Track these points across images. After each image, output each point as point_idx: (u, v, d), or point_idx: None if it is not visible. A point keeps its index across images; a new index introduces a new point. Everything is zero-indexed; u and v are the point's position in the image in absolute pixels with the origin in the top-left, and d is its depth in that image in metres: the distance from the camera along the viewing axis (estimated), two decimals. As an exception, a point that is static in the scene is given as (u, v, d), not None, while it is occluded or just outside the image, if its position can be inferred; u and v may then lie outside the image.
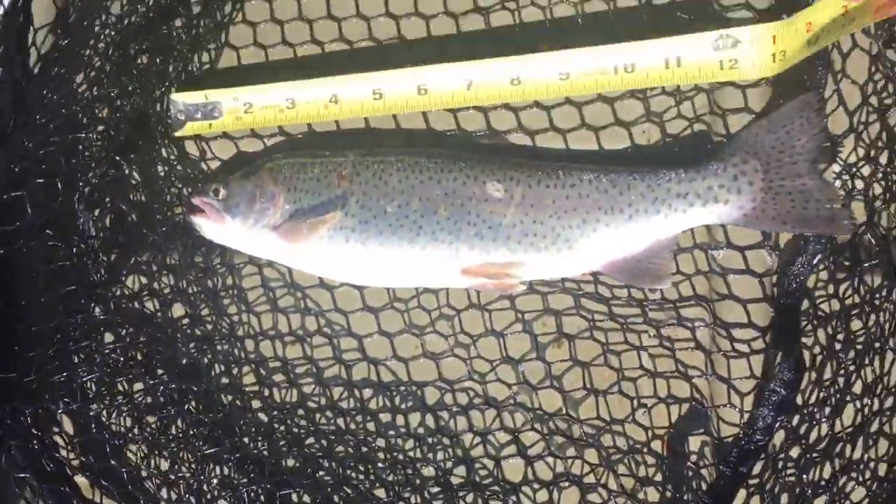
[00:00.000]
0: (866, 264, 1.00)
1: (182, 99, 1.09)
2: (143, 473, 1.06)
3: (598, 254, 1.03)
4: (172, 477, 1.06)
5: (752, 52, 1.01)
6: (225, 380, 1.12)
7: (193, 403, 1.09)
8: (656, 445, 1.07)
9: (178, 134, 1.10)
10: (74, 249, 1.05)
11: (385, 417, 1.12)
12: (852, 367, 0.99)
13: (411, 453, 1.11)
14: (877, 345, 0.98)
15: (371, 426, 1.12)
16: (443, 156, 1.06)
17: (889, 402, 0.96)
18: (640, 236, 1.03)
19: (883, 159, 1.01)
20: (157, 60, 1.09)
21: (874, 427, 0.96)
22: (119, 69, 1.06)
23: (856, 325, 1.00)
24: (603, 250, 1.03)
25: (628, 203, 1.03)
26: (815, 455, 0.98)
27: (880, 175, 1.01)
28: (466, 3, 1.12)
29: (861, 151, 1.02)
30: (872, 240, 1.01)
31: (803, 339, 1.03)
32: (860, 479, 0.95)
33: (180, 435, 1.08)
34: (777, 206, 1.00)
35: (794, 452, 1.00)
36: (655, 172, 1.03)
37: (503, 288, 1.05)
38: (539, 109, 1.11)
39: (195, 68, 1.13)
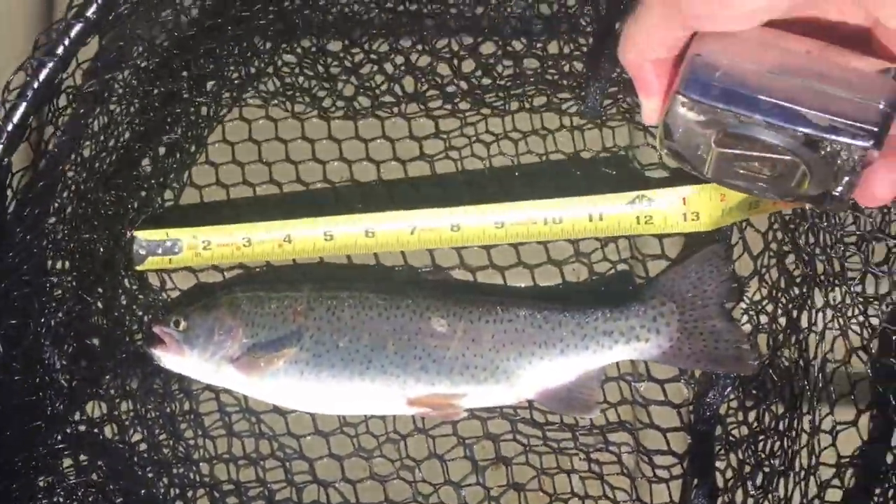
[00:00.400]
0: (770, 394, 1.11)
1: (144, 236, 1.17)
2: None
3: (533, 384, 1.13)
4: None
5: (665, 211, 1.13)
6: (180, 503, 1.18)
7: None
8: (587, 565, 1.16)
9: (139, 268, 1.17)
10: (38, 380, 1.10)
11: (334, 538, 1.19)
12: (760, 491, 1.10)
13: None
14: (781, 468, 1.09)
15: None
16: (391, 292, 1.15)
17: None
18: (571, 369, 1.13)
19: (783, 299, 1.14)
20: (123, 200, 1.16)
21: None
22: (87, 210, 1.12)
23: (765, 449, 1.11)
24: (537, 381, 1.13)
25: (560, 338, 1.13)
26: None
27: (781, 312, 1.14)
28: (413, 150, 1.23)
29: (764, 291, 1.15)
30: (774, 373, 1.12)
31: (717, 464, 1.14)
32: None
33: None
34: (691, 345, 1.12)
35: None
36: (584, 311, 1.13)
37: (446, 416, 1.14)
38: (479, 248, 1.21)
39: (158, 206, 1.21)
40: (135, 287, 1.19)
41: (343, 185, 1.23)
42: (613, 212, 1.14)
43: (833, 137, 0.74)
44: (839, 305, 1.07)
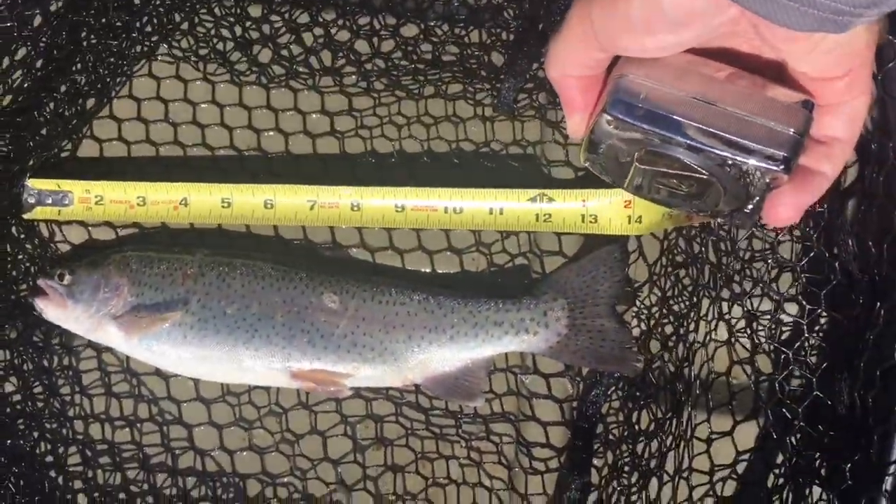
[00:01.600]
0: (652, 397, 1.14)
1: (35, 185, 1.13)
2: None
3: (421, 368, 1.13)
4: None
5: (564, 209, 1.14)
6: (50, 458, 1.15)
7: (13, 480, 1.11)
8: (456, 551, 1.16)
9: (27, 216, 1.14)
10: None
11: (206, 507, 1.17)
12: (634, 489, 1.11)
13: (228, 543, 1.16)
14: (655, 469, 1.11)
15: (191, 513, 1.16)
16: (286, 264, 1.14)
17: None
18: (459, 356, 1.13)
19: (674, 306, 1.16)
20: (19, 142, 1.13)
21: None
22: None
23: (641, 450, 1.13)
24: (425, 365, 1.13)
25: (451, 325, 1.13)
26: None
27: (670, 319, 1.16)
28: (324, 125, 1.22)
29: (654, 298, 1.17)
30: (658, 375, 1.14)
31: (594, 461, 1.15)
32: None
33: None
34: (579, 342, 1.13)
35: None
36: (477, 300, 1.14)
37: (331, 393, 1.13)
38: (381, 230, 1.20)
39: (53, 154, 1.18)
40: (22, 236, 1.16)
41: (250, 153, 1.22)
42: (514, 207, 1.15)
43: (747, 161, 0.80)
44: (726, 317, 1.09)
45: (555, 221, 1.15)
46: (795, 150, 0.79)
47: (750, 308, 1.08)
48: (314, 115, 1.22)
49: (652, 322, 1.16)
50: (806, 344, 1.03)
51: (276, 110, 1.22)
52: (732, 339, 1.08)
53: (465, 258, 1.22)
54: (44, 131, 1.14)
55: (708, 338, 1.10)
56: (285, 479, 1.18)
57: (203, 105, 1.22)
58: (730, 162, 0.80)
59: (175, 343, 1.10)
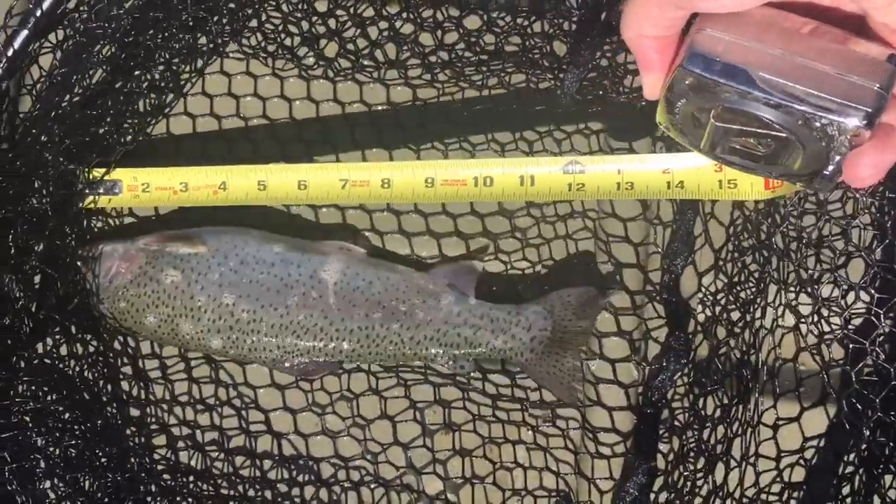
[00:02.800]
0: (717, 384, 1.14)
1: (88, 175, 1.16)
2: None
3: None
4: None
5: (597, 178, 1.10)
6: (134, 440, 1.20)
7: (105, 463, 1.16)
8: (524, 532, 1.19)
9: (82, 205, 1.17)
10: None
11: (283, 488, 1.21)
12: (700, 474, 1.12)
13: (305, 523, 1.20)
14: (721, 455, 1.11)
15: (269, 495, 1.21)
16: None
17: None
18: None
19: (743, 294, 1.16)
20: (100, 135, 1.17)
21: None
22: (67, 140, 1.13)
23: (708, 436, 1.14)
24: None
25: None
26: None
27: (736, 306, 1.15)
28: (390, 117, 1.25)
29: (720, 284, 1.17)
30: (725, 361, 1.14)
31: (660, 447, 1.16)
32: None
33: (89, 492, 1.15)
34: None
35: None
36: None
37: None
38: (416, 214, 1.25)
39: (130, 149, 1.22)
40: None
41: (317, 145, 1.25)
42: (546, 176, 1.11)
43: (827, 116, 0.78)
44: (794, 303, 1.09)
45: (587, 190, 1.11)
46: (879, 105, 0.77)
47: (819, 295, 1.07)
48: (380, 107, 1.25)
49: (718, 308, 1.16)
50: (879, 332, 1.02)
51: (343, 103, 1.25)
52: (800, 327, 1.07)
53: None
54: (122, 125, 1.19)
55: (775, 324, 1.10)
56: (357, 463, 1.21)
57: (273, 99, 1.25)
58: (810, 118, 0.79)
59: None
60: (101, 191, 1.16)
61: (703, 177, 1.07)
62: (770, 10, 0.79)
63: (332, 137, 1.25)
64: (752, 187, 1.06)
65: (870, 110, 0.77)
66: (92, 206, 1.17)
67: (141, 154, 1.21)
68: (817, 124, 0.79)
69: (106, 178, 1.15)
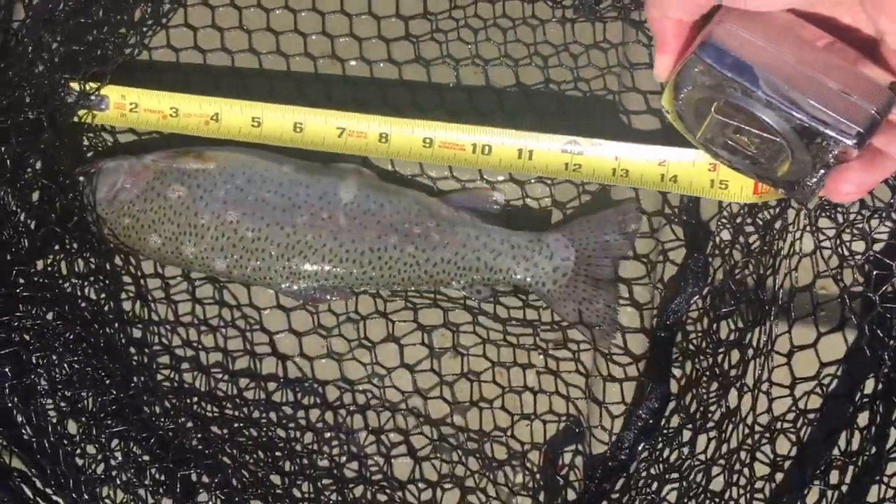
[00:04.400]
0: (733, 308, 1.11)
1: (76, 87, 1.12)
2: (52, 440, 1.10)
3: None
4: (80, 449, 1.11)
5: (594, 162, 1.10)
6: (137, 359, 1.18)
7: (107, 380, 1.15)
8: (533, 457, 1.16)
9: (66, 118, 1.14)
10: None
11: (287, 410, 1.20)
12: (713, 399, 1.10)
13: (309, 446, 1.19)
14: (735, 380, 1.09)
15: (273, 417, 1.19)
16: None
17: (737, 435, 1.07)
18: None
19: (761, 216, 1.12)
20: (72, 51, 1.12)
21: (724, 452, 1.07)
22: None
23: (722, 361, 1.11)
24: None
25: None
26: (669, 476, 1.08)
27: (755, 229, 1.12)
28: (399, 29, 1.20)
29: (737, 207, 1.13)
30: (741, 285, 1.11)
31: (673, 371, 1.14)
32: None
33: (91, 410, 1.13)
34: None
35: (654, 472, 1.11)
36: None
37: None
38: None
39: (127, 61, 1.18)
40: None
41: (323, 60, 1.20)
42: (544, 153, 1.10)
43: (822, 129, 0.81)
44: (812, 228, 1.06)
45: (583, 172, 1.10)
46: (871, 127, 0.80)
47: (840, 219, 1.04)
48: (392, 19, 1.20)
49: (734, 231, 1.13)
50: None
51: (351, 15, 1.20)
52: (821, 252, 1.05)
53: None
54: (117, 34, 1.15)
55: (792, 249, 1.08)
56: (363, 386, 1.19)
57: (277, 11, 1.20)
58: (805, 127, 0.82)
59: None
60: (88, 105, 1.12)
61: (696, 174, 1.08)
62: (791, 16, 0.82)
63: (340, 51, 1.21)
64: (741, 190, 1.08)
65: (862, 130, 0.80)
66: (77, 120, 1.14)
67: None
68: (809, 134, 0.82)
69: (92, 92, 1.11)
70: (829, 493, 0.99)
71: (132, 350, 1.18)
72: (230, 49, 1.21)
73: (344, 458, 1.19)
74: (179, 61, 1.21)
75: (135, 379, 1.15)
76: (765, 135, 0.85)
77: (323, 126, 1.11)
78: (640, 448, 1.11)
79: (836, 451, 1.03)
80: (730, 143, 0.91)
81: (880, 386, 1.03)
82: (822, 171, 0.86)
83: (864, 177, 0.86)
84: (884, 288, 0.99)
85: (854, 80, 0.80)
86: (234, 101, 1.11)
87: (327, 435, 1.19)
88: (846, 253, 1.04)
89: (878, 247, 1.04)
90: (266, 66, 1.21)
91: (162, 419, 1.16)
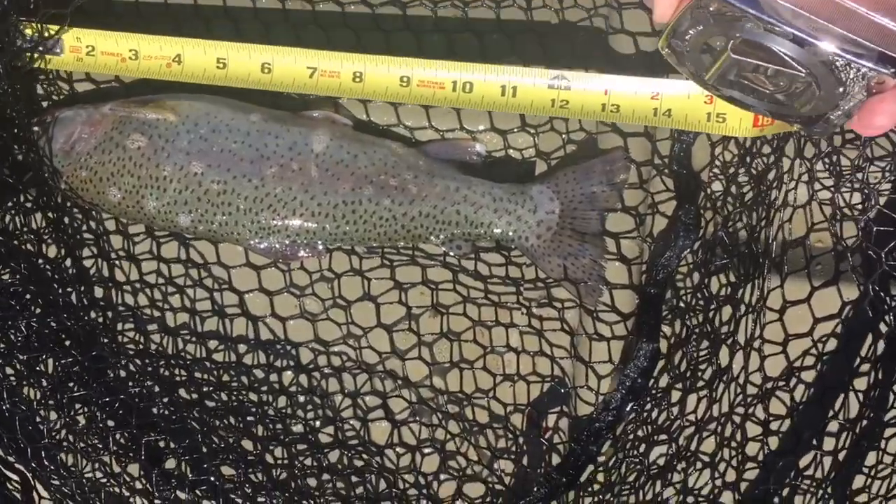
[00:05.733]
0: (726, 261, 1.06)
1: (28, 31, 1.04)
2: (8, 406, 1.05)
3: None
4: (41, 416, 1.06)
5: (582, 97, 1.02)
6: (98, 321, 1.13)
7: (67, 342, 1.09)
8: (516, 420, 1.12)
9: (17, 63, 1.06)
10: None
11: (259, 373, 1.15)
12: (703, 357, 1.05)
13: (282, 410, 1.14)
14: (726, 338, 1.04)
15: (245, 380, 1.14)
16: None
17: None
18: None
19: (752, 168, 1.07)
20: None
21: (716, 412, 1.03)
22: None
23: (713, 318, 1.06)
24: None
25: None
26: (657, 438, 1.04)
27: (747, 179, 1.06)
28: None
29: (730, 155, 1.07)
30: (733, 238, 1.06)
31: (662, 329, 1.09)
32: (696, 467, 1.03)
33: (51, 373, 1.08)
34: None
35: (642, 433, 1.06)
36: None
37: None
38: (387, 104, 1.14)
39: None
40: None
41: (294, 0, 1.13)
42: (529, 88, 1.02)
43: (857, 60, 0.75)
44: (808, 178, 1.01)
45: (571, 108, 1.03)
46: None
47: (838, 166, 0.99)
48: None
49: (726, 181, 1.07)
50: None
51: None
52: (819, 204, 1.00)
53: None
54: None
55: (786, 200, 1.03)
56: (338, 348, 1.14)
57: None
58: (834, 59, 0.75)
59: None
60: (41, 49, 1.05)
61: (692, 107, 1.00)
62: None
63: (294, 18, 1.14)
64: (740, 123, 1.00)
65: None
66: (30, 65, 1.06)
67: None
68: (840, 67, 0.76)
69: (47, 34, 1.04)
70: (823, 457, 0.96)
71: (94, 311, 1.13)
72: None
73: (319, 423, 1.14)
74: (139, 3, 1.13)
75: (97, 341, 1.10)
76: (789, 71, 0.78)
77: (293, 66, 1.04)
78: (627, 409, 1.06)
79: (831, 413, 1.00)
80: (744, 82, 0.84)
81: (881, 347, 0.99)
82: (851, 104, 0.79)
83: None
84: (889, 246, 0.94)
85: (885, 4, 0.72)
86: (197, 41, 1.04)
87: (301, 398, 1.15)
88: (843, 204, 0.99)
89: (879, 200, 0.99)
90: (231, 5, 1.14)
91: (127, 383, 1.11)
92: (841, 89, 0.78)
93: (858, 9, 0.73)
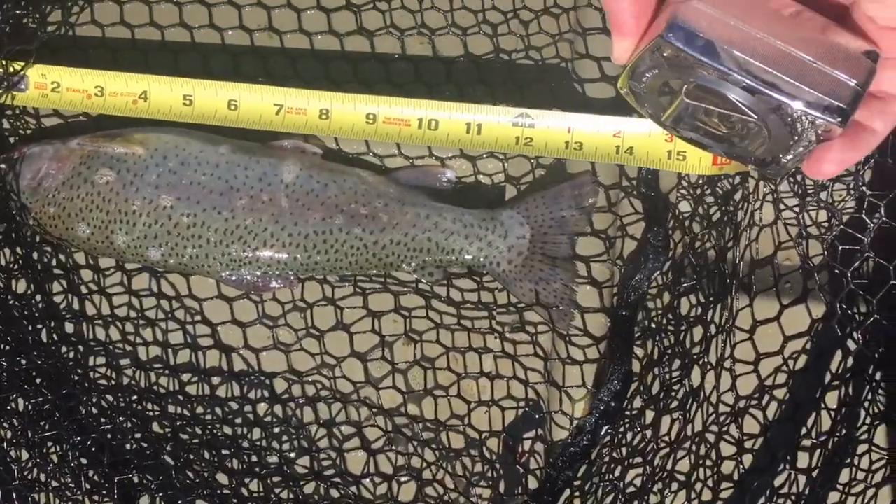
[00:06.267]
0: (694, 282, 1.07)
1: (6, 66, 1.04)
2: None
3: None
4: (11, 457, 1.05)
5: (546, 135, 1.04)
6: (69, 357, 1.12)
7: (38, 380, 1.08)
8: (492, 445, 1.12)
9: None
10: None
11: (233, 405, 1.14)
12: (676, 377, 1.06)
13: (257, 442, 1.13)
14: (697, 358, 1.05)
15: (218, 412, 1.13)
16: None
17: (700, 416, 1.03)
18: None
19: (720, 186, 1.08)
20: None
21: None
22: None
23: (684, 339, 1.07)
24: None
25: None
26: (633, 461, 1.04)
27: (714, 200, 1.07)
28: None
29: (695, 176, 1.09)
30: (701, 259, 1.07)
31: (635, 350, 1.09)
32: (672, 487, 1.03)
33: (22, 412, 1.06)
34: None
35: (617, 456, 1.06)
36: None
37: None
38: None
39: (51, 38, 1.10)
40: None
41: (260, 33, 1.14)
42: (494, 127, 1.04)
43: (803, 108, 0.77)
44: (773, 198, 1.02)
45: (535, 146, 1.04)
46: (855, 102, 0.77)
47: (802, 186, 1.00)
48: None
49: (694, 201, 1.08)
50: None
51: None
52: (785, 225, 1.01)
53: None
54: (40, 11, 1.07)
55: (752, 220, 1.04)
56: (312, 377, 1.14)
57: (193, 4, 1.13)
58: (784, 107, 0.78)
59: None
60: (4, 85, 1.04)
61: (653, 145, 1.02)
62: None
63: (277, 23, 1.14)
64: (700, 161, 1.02)
65: (846, 108, 0.76)
66: None
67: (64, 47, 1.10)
68: (790, 114, 0.78)
69: (11, 70, 1.03)
70: (797, 476, 0.97)
71: (65, 346, 1.12)
72: (160, 24, 1.14)
73: (294, 454, 1.13)
74: (105, 37, 1.14)
75: (69, 377, 1.09)
76: (739, 115, 0.81)
77: (259, 103, 1.04)
78: (602, 433, 1.06)
79: (803, 431, 1.00)
80: (699, 124, 0.86)
81: (849, 363, 1.00)
82: (800, 149, 0.82)
83: (847, 154, 0.82)
84: (855, 265, 0.96)
85: (830, 51, 0.76)
86: (164, 78, 1.04)
87: (276, 430, 1.13)
88: (809, 223, 1.00)
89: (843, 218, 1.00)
90: (199, 40, 1.14)
91: (99, 419, 1.09)
92: (791, 134, 0.80)
93: (805, 58, 0.75)
